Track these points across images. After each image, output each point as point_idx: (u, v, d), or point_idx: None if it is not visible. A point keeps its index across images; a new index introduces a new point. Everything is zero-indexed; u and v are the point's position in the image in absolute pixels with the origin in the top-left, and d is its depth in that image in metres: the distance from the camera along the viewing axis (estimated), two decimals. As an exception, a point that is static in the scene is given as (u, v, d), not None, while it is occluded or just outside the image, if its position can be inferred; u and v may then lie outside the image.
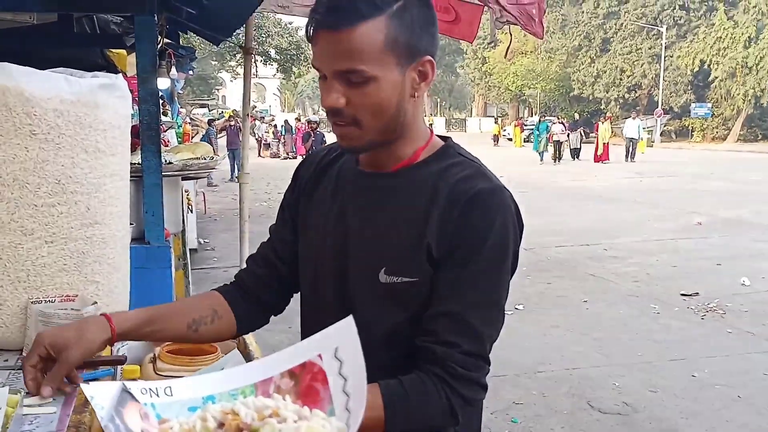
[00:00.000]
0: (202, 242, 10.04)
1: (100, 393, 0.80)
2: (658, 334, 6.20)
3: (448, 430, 1.30)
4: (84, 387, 0.78)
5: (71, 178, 1.70)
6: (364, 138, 1.26)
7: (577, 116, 31.51)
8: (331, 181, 1.42)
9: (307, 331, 1.44)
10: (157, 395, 0.81)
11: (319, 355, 0.81)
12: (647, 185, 18.28)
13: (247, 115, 3.83)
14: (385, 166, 1.34)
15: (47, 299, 1.66)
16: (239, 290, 1.52)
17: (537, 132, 27.24)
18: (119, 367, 1.67)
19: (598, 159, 26.03)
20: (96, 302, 1.66)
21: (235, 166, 18.33)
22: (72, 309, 1.63)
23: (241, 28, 4.19)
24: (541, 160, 26.17)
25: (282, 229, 1.51)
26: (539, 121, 28.74)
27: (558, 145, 26.17)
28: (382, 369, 1.20)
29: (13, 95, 1.63)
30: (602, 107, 45.53)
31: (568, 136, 26.86)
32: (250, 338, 1.96)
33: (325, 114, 1.29)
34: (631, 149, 26.86)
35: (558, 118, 30.84)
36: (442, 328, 1.23)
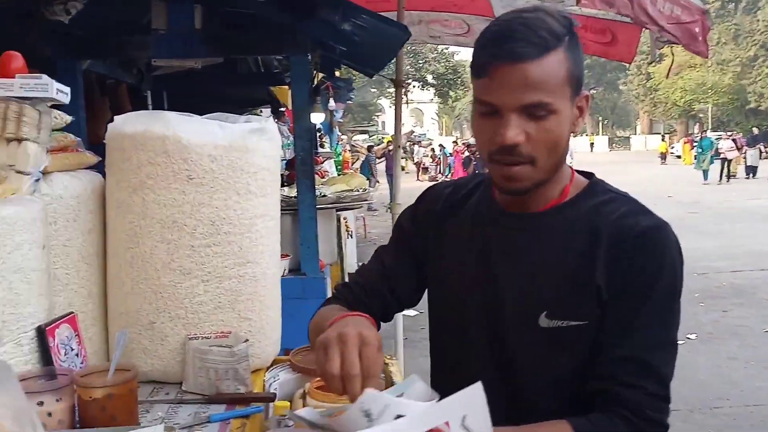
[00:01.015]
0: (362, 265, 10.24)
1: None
2: None
3: None
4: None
5: (225, 220, 1.78)
6: (535, 177, 1.21)
7: (755, 130, 28.87)
8: (466, 221, 1.37)
9: (445, 374, 1.42)
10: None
11: (447, 423, 0.76)
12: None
13: (399, 146, 3.87)
14: (532, 206, 1.29)
15: (203, 335, 1.74)
16: (369, 308, 1.37)
17: (700, 149, 25.06)
18: (271, 403, 1.71)
19: None
20: (248, 339, 1.72)
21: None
22: (225, 345, 1.70)
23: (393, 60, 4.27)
24: (705, 179, 23.95)
25: (400, 266, 1.44)
26: (701, 137, 26.55)
27: (726, 162, 24.18)
28: (547, 417, 1.20)
29: (171, 142, 1.74)
30: (782, 120, 42.12)
31: (744, 152, 24.71)
32: (396, 369, 1.95)
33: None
34: None
35: (727, 134, 28.37)
36: (623, 371, 1.19)
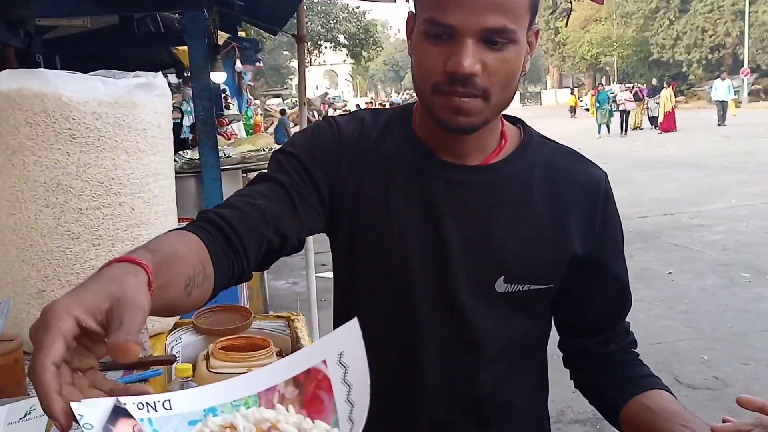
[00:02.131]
0: (279, 231, 10.15)
1: (90, 411, 0.68)
2: (750, 305, 5.90)
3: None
4: (73, 405, 0.64)
5: (113, 180, 1.71)
6: (485, 114, 1.06)
7: (655, 81, 29.57)
8: (395, 168, 1.16)
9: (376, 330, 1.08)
10: (155, 409, 0.72)
11: (324, 361, 0.74)
12: (735, 149, 17.40)
13: (303, 103, 3.81)
14: (469, 156, 1.15)
15: (97, 302, 1.67)
16: (222, 244, 1.01)
17: (597, 103, 25.04)
18: (173, 366, 1.67)
19: (663, 128, 23.76)
20: (144, 303, 1.66)
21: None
22: (121, 310, 1.63)
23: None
24: (600, 133, 24.06)
25: (291, 205, 1.11)
26: (598, 91, 26.64)
27: (626, 114, 24.45)
28: (506, 381, 1.22)
29: (51, 100, 1.64)
30: (684, 70, 43.73)
31: (647, 103, 25.05)
32: (302, 325, 1.93)
33: (412, 91, 1.19)
34: (722, 112, 24.84)
35: (625, 86, 28.80)
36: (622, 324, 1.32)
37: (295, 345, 1.84)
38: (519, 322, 1.19)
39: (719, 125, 24.04)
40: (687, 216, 9.63)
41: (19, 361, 1.37)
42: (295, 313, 2.00)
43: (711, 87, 27.63)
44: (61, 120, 1.65)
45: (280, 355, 1.76)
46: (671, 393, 1.24)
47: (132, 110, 1.73)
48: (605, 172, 1.23)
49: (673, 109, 23.63)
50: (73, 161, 1.66)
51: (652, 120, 25.08)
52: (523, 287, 1.14)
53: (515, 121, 1.23)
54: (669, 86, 25.05)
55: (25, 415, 1.19)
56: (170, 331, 1.86)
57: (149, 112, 1.76)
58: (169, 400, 0.73)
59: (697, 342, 5.15)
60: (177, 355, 1.69)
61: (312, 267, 4.04)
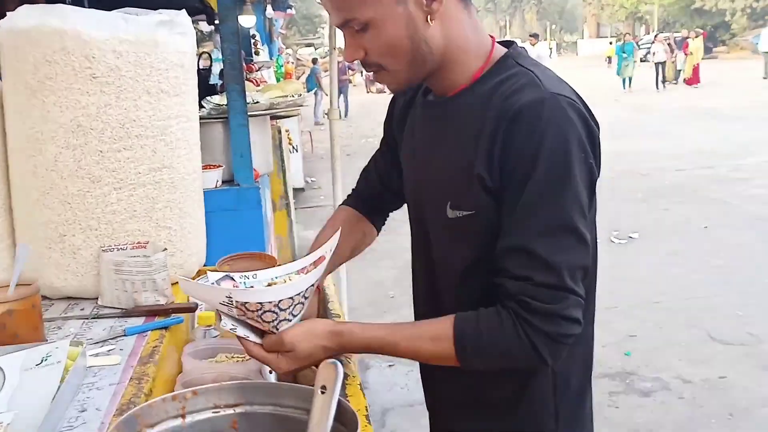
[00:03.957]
0: (309, 181, 10.14)
1: (210, 275, 1.21)
2: (787, 260, 5.76)
3: (544, 369, 1.23)
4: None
5: (135, 122, 1.65)
6: (399, 79, 1.22)
7: (685, 32, 27.58)
8: (414, 114, 1.36)
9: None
10: (248, 278, 1.20)
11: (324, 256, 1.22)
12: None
13: (334, 48, 3.69)
14: (441, 91, 1.26)
15: (119, 247, 1.63)
16: (365, 203, 1.57)
17: (623, 54, 22.25)
18: (195, 314, 1.63)
19: (689, 82, 22.20)
20: (166, 248, 1.62)
21: (342, 104, 18.30)
22: (143, 256, 1.60)
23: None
24: (625, 87, 22.03)
25: (382, 160, 1.52)
26: (623, 42, 23.38)
27: (661, 67, 22.32)
28: (462, 307, 1.18)
29: (70, 38, 1.58)
30: (727, 19, 42.28)
31: (675, 55, 23.06)
32: (329, 284, 1.88)
33: None
34: None
35: (659, 37, 25.57)
36: (512, 263, 1.13)
37: (321, 297, 1.80)
38: (464, 250, 1.22)
39: (765, 78, 22.81)
40: (726, 169, 9.39)
41: (37, 306, 1.34)
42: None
43: (756, 37, 26.33)
44: (81, 59, 1.59)
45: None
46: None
47: (154, 49, 1.66)
48: (542, 98, 1.12)
49: (698, 63, 22.20)
50: (93, 102, 1.61)
51: (678, 74, 23.45)
52: (460, 213, 1.19)
53: (509, 45, 1.27)
54: (699, 36, 23.49)
55: (42, 361, 1.16)
56: (193, 279, 1.82)
57: (172, 51, 1.70)
58: (256, 273, 1.21)
59: (732, 297, 5.05)
60: (200, 303, 1.66)
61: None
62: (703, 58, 22.83)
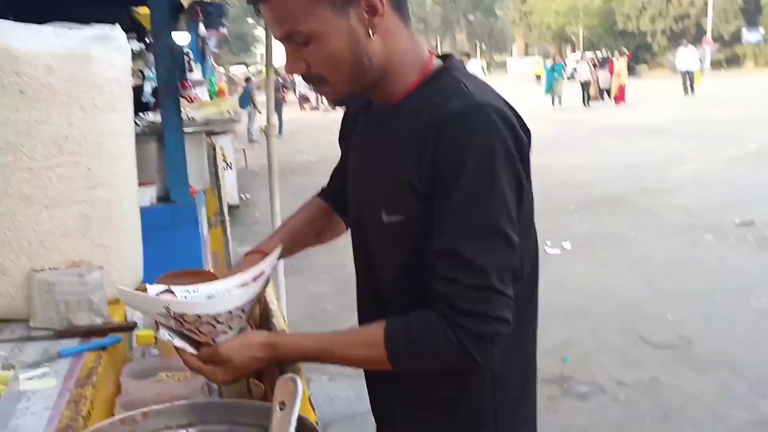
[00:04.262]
0: (245, 198, 10.04)
1: (151, 288, 1.26)
2: (712, 265, 5.99)
3: (482, 370, 1.25)
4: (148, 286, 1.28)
5: (68, 138, 1.61)
6: (339, 91, 1.24)
7: (604, 52, 28.42)
8: (359, 124, 1.40)
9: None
10: (188, 292, 1.25)
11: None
12: (697, 116, 17.58)
13: (270, 65, 3.67)
14: (385, 102, 1.29)
15: (52, 267, 1.58)
16: (335, 198, 1.57)
17: (553, 73, 22.94)
18: (133, 333, 1.60)
19: (617, 100, 22.79)
20: (102, 267, 1.58)
21: (277, 121, 18.15)
22: (78, 275, 1.55)
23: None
24: (554, 104, 22.50)
25: (342, 168, 1.53)
26: (553, 62, 24.09)
27: (586, 86, 22.99)
28: (402, 311, 1.19)
29: (-2, 53, 1.53)
30: (648, 40, 43.94)
31: (597, 75, 23.66)
32: (271, 296, 1.87)
33: None
34: (688, 82, 24.03)
35: (584, 57, 26.44)
36: (440, 265, 1.15)
37: (264, 311, 1.78)
38: (399, 255, 1.24)
39: (686, 94, 23.66)
40: (652, 181, 9.72)
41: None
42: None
43: (675, 56, 27.30)
44: (9, 74, 1.54)
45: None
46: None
47: (87, 64, 1.62)
48: (469, 107, 1.15)
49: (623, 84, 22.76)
50: (23, 118, 1.56)
51: (602, 92, 23.96)
52: (394, 219, 1.22)
53: (447, 58, 1.30)
54: (623, 56, 24.22)
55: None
56: (131, 296, 1.78)
57: (106, 67, 1.66)
58: (196, 288, 1.27)
59: (661, 302, 5.21)
60: (138, 322, 1.62)
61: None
62: (627, 76, 23.61)
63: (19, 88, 1.55)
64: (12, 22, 1.60)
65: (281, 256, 1.43)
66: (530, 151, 1.22)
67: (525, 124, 1.22)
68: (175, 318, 1.16)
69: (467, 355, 1.14)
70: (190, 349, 1.21)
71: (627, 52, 26.77)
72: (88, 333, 1.49)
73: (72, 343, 1.46)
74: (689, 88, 24.12)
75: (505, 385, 1.30)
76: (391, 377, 1.26)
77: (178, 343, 1.20)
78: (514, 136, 1.16)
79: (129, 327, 1.54)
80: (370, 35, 1.17)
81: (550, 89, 23.07)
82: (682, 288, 5.48)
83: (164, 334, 1.19)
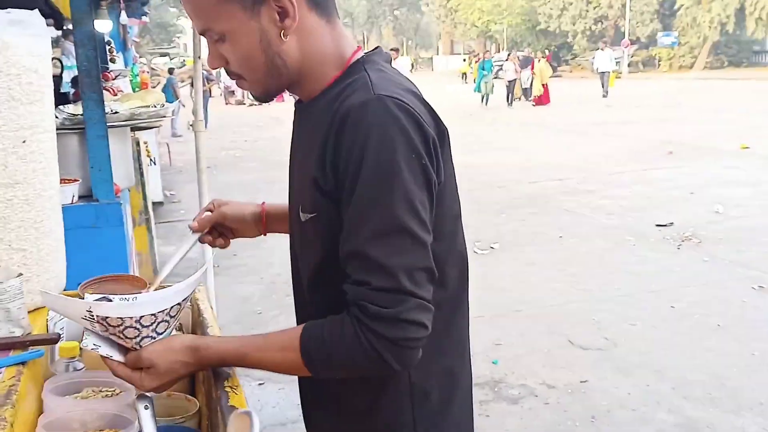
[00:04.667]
0: (168, 195, 9.76)
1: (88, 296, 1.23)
2: (634, 266, 6.14)
3: (398, 379, 1.21)
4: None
5: (-18, 133, 1.48)
6: (257, 89, 1.25)
7: (528, 52, 28.91)
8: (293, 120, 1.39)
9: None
10: (127, 300, 1.19)
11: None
12: (616, 117, 18.16)
13: (198, 57, 3.52)
14: (306, 99, 1.29)
15: (-36, 272, 1.45)
16: None
17: (482, 71, 23.15)
18: (56, 345, 1.47)
19: (537, 101, 22.87)
20: (21, 273, 1.45)
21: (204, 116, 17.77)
22: (-7, 282, 1.42)
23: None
24: (484, 102, 22.76)
25: None
26: (483, 59, 24.56)
27: (511, 85, 23.23)
28: (320, 314, 1.17)
29: None
30: (569, 40, 45.16)
31: (519, 74, 23.73)
32: (203, 296, 1.77)
33: None
34: (605, 83, 24.73)
35: (510, 56, 26.50)
36: (351, 268, 1.12)
37: (197, 317, 1.69)
38: (313, 254, 1.23)
39: (604, 96, 24.18)
40: (575, 181, 9.93)
41: None
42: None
43: (594, 57, 28.13)
44: None
45: (180, 329, 1.60)
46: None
47: (3, 51, 1.50)
48: (367, 100, 1.12)
49: (545, 84, 22.98)
50: (-70, 109, 1.42)
51: (525, 92, 24.13)
52: (306, 216, 1.20)
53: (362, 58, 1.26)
54: (544, 58, 24.63)
55: None
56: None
57: (24, 54, 1.53)
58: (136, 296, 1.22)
59: (586, 304, 5.31)
60: (61, 333, 1.50)
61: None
62: (549, 77, 24.05)
63: (-74, 76, 1.41)
64: None
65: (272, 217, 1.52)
66: (444, 147, 1.18)
67: (438, 118, 1.19)
68: (99, 322, 1.14)
69: (382, 362, 1.10)
70: (117, 356, 1.19)
71: (547, 54, 27.25)
72: (6, 346, 1.36)
73: (-11, 357, 1.34)
74: (606, 90, 24.71)
75: (424, 397, 1.26)
76: (313, 383, 1.27)
77: (104, 351, 1.18)
78: (419, 129, 1.12)
79: (53, 340, 1.42)
80: (282, 37, 1.17)
81: (480, 87, 23.21)
82: (606, 289, 5.60)
83: (88, 343, 1.17)
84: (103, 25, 5.66)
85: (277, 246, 1.50)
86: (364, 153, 1.08)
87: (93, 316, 1.14)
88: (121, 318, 1.14)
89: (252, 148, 14.75)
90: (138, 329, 1.16)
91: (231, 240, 1.55)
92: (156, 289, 1.34)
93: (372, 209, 1.09)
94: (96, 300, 1.18)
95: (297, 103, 1.31)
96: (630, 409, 3.73)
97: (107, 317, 1.14)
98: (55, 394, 1.30)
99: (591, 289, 5.62)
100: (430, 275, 1.12)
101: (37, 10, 1.63)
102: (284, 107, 18.39)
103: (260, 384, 3.96)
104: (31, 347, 1.38)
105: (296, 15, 1.15)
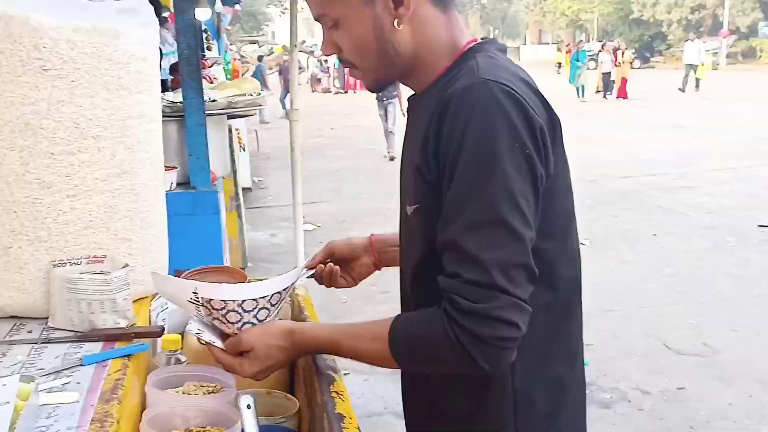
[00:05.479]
0: (256, 181, 9.91)
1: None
2: (735, 269, 5.83)
3: (500, 384, 1.16)
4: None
5: (92, 121, 1.47)
6: (368, 78, 1.24)
7: (615, 43, 27.41)
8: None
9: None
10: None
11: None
12: (715, 111, 17.35)
13: (294, 46, 3.50)
14: (417, 90, 1.26)
15: (72, 261, 1.45)
16: None
17: (575, 62, 21.58)
18: (158, 339, 1.46)
19: (620, 95, 21.61)
20: (127, 264, 1.44)
21: (286, 103, 18.05)
22: (100, 272, 1.42)
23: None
24: (579, 95, 21.24)
25: None
26: (577, 49, 22.75)
27: (607, 77, 22.00)
28: (418, 306, 1.16)
29: (17, 24, 1.39)
30: (663, 30, 43.51)
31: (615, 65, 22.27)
32: (307, 300, 1.74)
33: None
34: (689, 76, 22.95)
35: (605, 47, 24.61)
36: (445, 258, 1.08)
37: (298, 315, 1.65)
38: (415, 247, 1.20)
39: (683, 90, 22.50)
40: (671, 177, 9.54)
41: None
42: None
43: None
44: (29, 48, 1.40)
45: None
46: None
47: (113, 39, 1.48)
48: (471, 84, 1.07)
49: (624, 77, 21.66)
50: (43, 97, 1.42)
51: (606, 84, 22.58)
52: (411, 209, 1.17)
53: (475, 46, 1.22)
54: (625, 50, 23.04)
55: (-13, 402, 0.98)
56: (155, 296, 1.64)
57: (134, 43, 1.52)
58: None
59: (684, 306, 5.07)
60: (164, 325, 1.49)
61: (300, 221, 3.81)
62: (639, 67, 22.76)
63: (40, 64, 1.41)
64: (33, -9, 1.46)
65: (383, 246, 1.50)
66: (555, 138, 1.12)
67: (550, 108, 1.13)
68: (203, 305, 1.19)
69: (469, 359, 1.04)
70: (219, 343, 1.22)
71: (625, 45, 25.70)
72: (112, 337, 1.35)
73: (94, 348, 1.33)
74: (693, 83, 23.12)
75: (528, 405, 1.18)
76: (413, 381, 1.26)
77: (206, 337, 1.22)
78: (526, 117, 1.05)
79: (157, 333, 1.40)
80: (395, 25, 1.15)
81: (574, 79, 22.03)
82: (705, 292, 5.34)
83: (192, 327, 1.23)
84: (203, 14, 5.76)
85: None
86: (464, 139, 1.04)
87: (198, 298, 1.18)
88: (224, 301, 1.17)
89: (338, 136, 14.84)
90: (240, 313, 1.19)
91: (355, 279, 1.54)
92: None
93: (469, 198, 1.04)
94: (203, 284, 1.21)
95: (410, 98, 1.28)
96: (731, 420, 3.53)
97: (211, 299, 1.18)
98: (158, 387, 1.29)
99: (689, 291, 5.37)
100: (529, 273, 1.06)
101: (146, -1, 1.61)
102: (370, 96, 18.46)
103: (345, 374, 3.93)
104: (135, 339, 1.37)
105: (410, 3, 1.14)
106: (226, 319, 1.19)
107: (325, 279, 1.50)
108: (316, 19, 1.21)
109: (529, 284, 1.06)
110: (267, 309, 1.22)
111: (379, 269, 1.53)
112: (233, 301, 1.18)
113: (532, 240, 1.06)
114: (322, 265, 1.49)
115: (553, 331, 1.18)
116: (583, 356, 1.32)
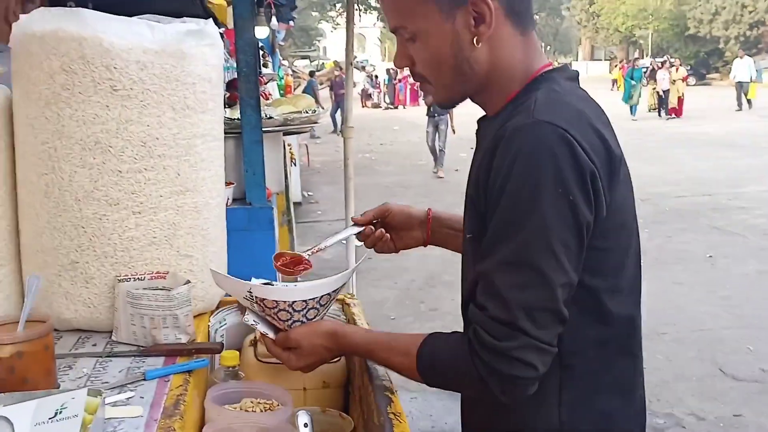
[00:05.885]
0: (306, 195, 10.01)
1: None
2: (795, 294, 5.66)
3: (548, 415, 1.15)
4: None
5: (158, 140, 1.51)
6: (440, 94, 1.23)
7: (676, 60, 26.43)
8: None
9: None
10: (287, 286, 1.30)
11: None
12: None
13: (350, 63, 3.54)
14: (487, 113, 1.26)
15: (136, 276, 1.48)
16: None
17: (630, 80, 21.18)
18: (217, 355, 1.49)
19: (670, 112, 20.83)
20: (189, 280, 1.47)
21: (340, 118, 18.21)
22: (163, 289, 1.45)
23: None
24: (632, 113, 20.61)
25: None
26: (632, 67, 22.41)
27: (665, 95, 20.99)
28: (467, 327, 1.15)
29: (90, 45, 1.44)
30: (720, 47, 42.59)
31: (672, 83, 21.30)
32: (358, 310, 1.75)
33: None
34: (741, 94, 22.21)
35: (661, 63, 23.71)
36: (479, 288, 1.11)
37: (348, 311, 1.66)
38: (469, 273, 1.20)
39: (738, 108, 21.94)
40: (726, 197, 9.32)
41: (50, 348, 1.18)
42: (349, 295, 1.82)
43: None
44: (101, 68, 1.45)
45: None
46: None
47: (180, 61, 1.52)
48: (525, 124, 1.06)
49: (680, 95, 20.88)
50: (113, 117, 1.47)
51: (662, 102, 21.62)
52: (468, 236, 1.19)
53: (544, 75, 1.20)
54: (677, 66, 22.02)
55: (56, 414, 1.01)
56: (213, 312, 1.67)
57: (199, 64, 1.55)
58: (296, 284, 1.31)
59: (741, 331, 4.94)
60: (222, 342, 1.51)
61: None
62: (695, 84, 22.10)
63: (110, 84, 1.45)
64: (104, 13, 1.50)
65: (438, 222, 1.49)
66: (613, 177, 1.09)
67: (609, 146, 1.09)
68: (257, 303, 1.27)
69: (486, 387, 1.08)
70: (271, 335, 1.31)
71: (679, 62, 25.00)
72: (173, 352, 1.38)
73: (156, 363, 1.36)
74: (744, 101, 22.38)
75: None
76: (469, 400, 1.27)
77: (261, 328, 1.30)
78: (574, 161, 1.03)
79: (217, 349, 1.43)
80: (474, 43, 1.14)
81: (629, 97, 21.44)
82: (762, 316, 5.19)
83: (249, 318, 1.31)
84: (261, 32, 5.85)
85: (413, 252, 1.47)
86: (508, 179, 1.05)
87: (252, 297, 1.26)
88: (276, 301, 1.26)
89: (387, 152, 14.89)
90: (290, 313, 1.27)
91: (397, 247, 1.53)
92: (311, 255, 1.44)
93: (505, 237, 1.06)
94: (257, 284, 1.29)
95: (479, 120, 1.27)
96: (794, 451, 3.43)
97: (264, 299, 1.26)
98: (217, 403, 1.31)
99: (745, 315, 5.23)
100: (556, 317, 1.06)
101: (211, 19, 1.65)
102: (419, 112, 18.46)
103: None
104: (196, 355, 1.39)
105: (492, 22, 1.13)
106: (278, 317, 1.28)
107: (369, 241, 1.50)
108: (392, 31, 1.20)
109: (557, 326, 1.07)
110: (316, 309, 1.30)
111: (426, 246, 1.54)
112: (284, 302, 1.26)
113: (571, 285, 1.07)
114: (372, 227, 1.49)
115: (603, 365, 1.17)
116: (643, 391, 1.29)
